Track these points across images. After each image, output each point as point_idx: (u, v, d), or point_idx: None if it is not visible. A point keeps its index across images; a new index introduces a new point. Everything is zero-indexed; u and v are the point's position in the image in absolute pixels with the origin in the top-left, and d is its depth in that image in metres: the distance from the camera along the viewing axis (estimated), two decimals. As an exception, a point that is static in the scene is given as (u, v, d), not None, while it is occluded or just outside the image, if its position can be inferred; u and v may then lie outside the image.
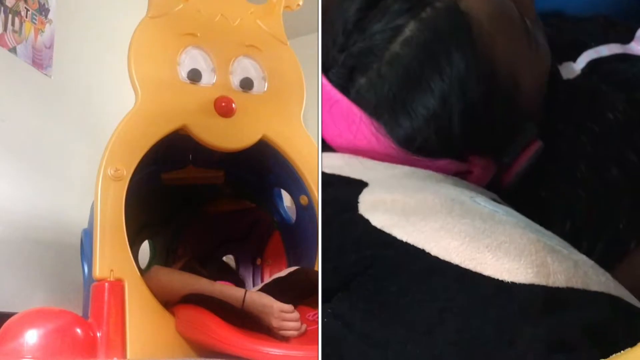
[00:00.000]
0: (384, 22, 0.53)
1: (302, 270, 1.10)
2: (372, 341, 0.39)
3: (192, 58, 1.13)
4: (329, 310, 0.42)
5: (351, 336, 0.40)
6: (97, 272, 0.92)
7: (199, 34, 1.15)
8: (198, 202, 1.56)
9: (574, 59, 0.66)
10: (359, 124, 0.55)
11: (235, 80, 1.17)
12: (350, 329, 0.40)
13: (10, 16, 1.51)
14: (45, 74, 1.63)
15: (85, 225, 1.12)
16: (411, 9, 0.52)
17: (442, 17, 0.52)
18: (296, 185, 1.24)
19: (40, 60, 1.61)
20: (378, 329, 0.39)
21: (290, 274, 1.09)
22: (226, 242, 1.64)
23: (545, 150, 0.57)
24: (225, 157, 1.22)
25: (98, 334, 0.90)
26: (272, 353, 0.80)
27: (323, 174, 0.53)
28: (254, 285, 1.51)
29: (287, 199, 1.38)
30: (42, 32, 1.63)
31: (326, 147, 0.58)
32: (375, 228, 0.44)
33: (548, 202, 0.57)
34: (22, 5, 1.56)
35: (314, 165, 1.20)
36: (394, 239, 0.43)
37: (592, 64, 0.65)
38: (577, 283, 0.38)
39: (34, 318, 0.89)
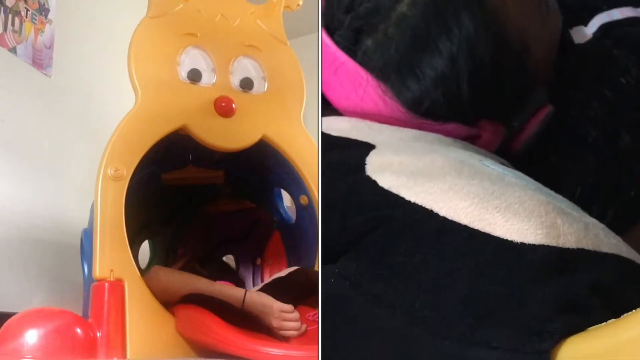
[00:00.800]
0: None
1: (302, 270, 1.10)
2: (380, 301, 0.38)
3: (192, 58, 1.13)
4: (336, 270, 0.41)
5: (358, 297, 0.39)
6: (97, 272, 0.92)
7: (199, 34, 1.15)
8: (198, 202, 1.56)
9: (586, 23, 0.65)
10: (366, 87, 0.54)
11: (235, 80, 1.17)
12: (358, 290, 0.39)
13: (10, 16, 1.51)
14: (45, 74, 1.63)
15: (85, 225, 1.12)
16: None
17: None
18: (296, 185, 1.24)
19: (40, 60, 1.61)
20: (386, 289, 0.39)
21: (290, 274, 1.09)
22: (226, 242, 1.64)
23: (556, 116, 0.56)
24: (225, 157, 1.22)
25: (98, 334, 0.90)
26: (272, 353, 0.80)
27: (329, 136, 0.52)
28: (254, 285, 1.51)
29: (287, 199, 1.38)
30: (42, 32, 1.63)
31: (332, 110, 0.57)
32: (382, 189, 0.44)
33: (558, 167, 0.56)
34: (22, 5, 1.56)
35: (314, 165, 1.20)
36: (402, 199, 0.42)
37: (604, 28, 0.64)
38: (587, 244, 0.38)
39: (34, 318, 0.89)
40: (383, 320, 0.38)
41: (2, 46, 1.49)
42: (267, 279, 1.21)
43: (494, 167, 0.45)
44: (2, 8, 1.49)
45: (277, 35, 1.26)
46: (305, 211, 1.26)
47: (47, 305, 1.42)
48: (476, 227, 0.39)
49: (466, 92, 0.51)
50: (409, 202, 0.42)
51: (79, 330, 0.89)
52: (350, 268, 0.41)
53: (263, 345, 0.82)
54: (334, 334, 0.40)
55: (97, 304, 0.93)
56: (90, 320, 0.93)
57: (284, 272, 1.11)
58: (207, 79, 1.13)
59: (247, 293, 0.96)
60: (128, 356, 0.90)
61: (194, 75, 1.12)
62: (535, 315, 0.34)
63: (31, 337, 0.85)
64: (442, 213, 0.40)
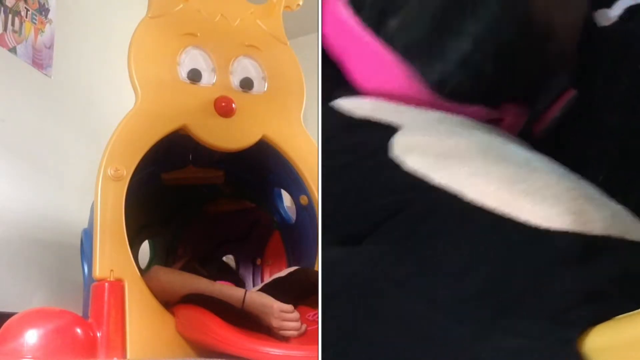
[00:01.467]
0: None
1: (302, 270, 1.10)
2: (402, 286, 0.38)
3: (192, 58, 1.13)
4: (358, 254, 0.41)
5: (381, 280, 0.39)
6: (97, 272, 0.92)
7: (199, 34, 1.15)
8: (198, 202, 1.56)
9: (609, 5, 0.64)
10: (390, 67, 0.53)
11: (235, 80, 1.17)
12: (380, 273, 0.39)
13: (10, 16, 1.51)
14: (45, 74, 1.63)
15: (85, 225, 1.12)
16: None
17: None
18: (296, 185, 1.24)
19: (40, 60, 1.61)
20: (408, 274, 0.38)
21: (290, 274, 1.09)
22: (226, 242, 1.64)
23: (579, 100, 0.55)
24: (225, 157, 1.22)
25: (98, 334, 0.90)
26: (272, 353, 0.80)
27: (353, 117, 0.51)
28: (254, 285, 1.51)
29: (287, 199, 1.38)
30: (42, 32, 1.63)
31: (355, 91, 0.56)
32: (407, 172, 0.43)
33: (580, 152, 0.56)
34: (22, 5, 1.56)
35: (314, 165, 1.20)
36: (427, 182, 0.41)
37: (630, 11, 0.63)
38: (615, 232, 0.37)
39: (34, 318, 0.89)
40: (404, 305, 0.37)
41: (2, 46, 1.49)
42: (267, 279, 1.21)
43: (519, 151, 0.44)
44: (2, 8, 1.49)
45: (277, 35, 1.26)
46: (305, 211, 1.26)
47: (47, 305, 1.42)
48: (502, 212, 0.38)
49: (490, 73, 0.51)
50: (434, 185, 0.41)
51: (79, 330, 0.89)
52: (372, 252, 0.40)
53: (263, 345, 0.82)
54: (354, 318, 0.40)
55: (97, 304, 0.93)
56: (90, 320, 0.93)
57: (284, 272, 1.11)
58: (207, 79, 1.13)
59: (247, 293, 0.96)
60: (128, 356, 0.90)
61: (194, 75, 1.12)
62: (560, 303, 0.33)
63: (31, 337, 0.85)
64: (468, 197, 0.39)
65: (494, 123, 0.54)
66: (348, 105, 0.53)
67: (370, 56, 0.54)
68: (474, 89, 0.52)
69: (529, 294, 0.34)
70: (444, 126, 0.49)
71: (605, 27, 0.63)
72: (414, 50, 0.52)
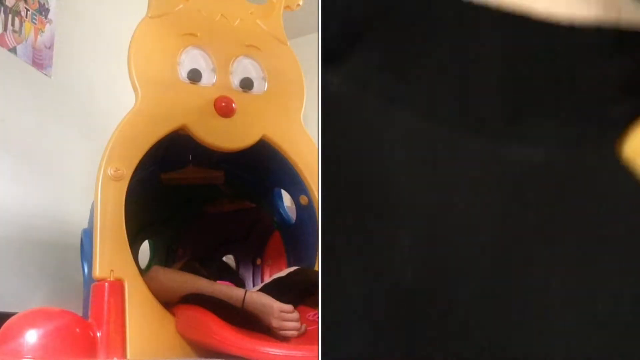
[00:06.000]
0: None
1: (302, 270, 1.10)
2: (394, 100, 0.32)
3: (192, 58, 1.13)
4: (342, 70, 0.35)
5: (369, 98, 0.33)
6: (97, 272, 0.92)
7: (199, 34, 1.15)
8: (198, 202, 1.56)
9: None
10: None
11: (235, 80, 1.17)
12: (367, 87, 0.34)
13: (10, 16, 1.51)
14: (45, 74, 1.63)
15: (85, 225, 1.12)
16: None
17: None
18: (296, 185, 1.24)
19: (40, 60, 1.61)
20: (401, 85, 0.33)
21: (290, 274, 1.09)
22: (226, 242, 1.64)
23: None
24: (225, 157, 1.22)
25: (98, 334, 0.90)
26: (272, 353, 0.80)
27: None
28: (254, 285, 1.51)
29: (287, 199, 1.38)
30: (42, 32, 1.63)
31: None
32: None
33: None
34: (22, 5, 1.56)
35: (314, 165, 1.20)
36: None
37: None
38: None
39: (34, 318, 0.89)
40: (399, 122, 0.32)
41: (2, 46, 1.49)
42: (267, 279, 1.21)
43: None
44: (2, 8, 1.49)
45: (277, 35, 1.26)
46: (305, 211, 1.26)
47: (47, 305, 1.42)
48: (510, 9, 0.31)
49: None
50: None
51: (79, 330, 0.89)
52: (356, 65, 0.35)
53: (263, 345, 0.82)
54: (339, 143, 0.35)
55: (97, 304, 0.93)
56: (90, 320, 0.93)
57: (284, 272, 1.11)
58: (207, 79, 1.14)
59: (247, 293, 0.96)
60: (128, 356, 0.90)
61: (194, 75, 1.12)
62: (593, 98, 0.27)
63: (31, 337, 0.85)
64: None
65: None
66: None
67: None
68: None
69: (551, 92, 0.29)
70: None
71: None
72: None
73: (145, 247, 1.53)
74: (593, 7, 0.30)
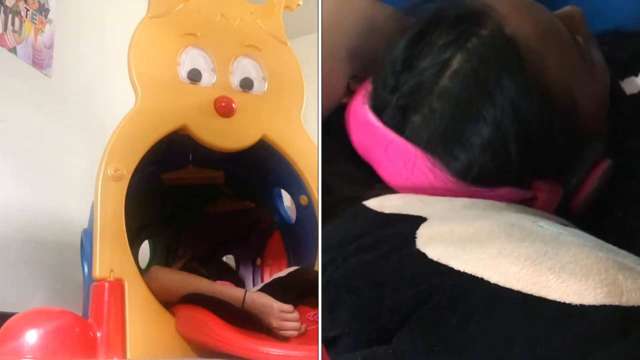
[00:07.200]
0: (431, 58, 0.52)
1: (302, 270, 1.10)
2: None
3: (192, 58, 1.13)
4: (390, 351, 0.40)
5: None
6: (97, 272, 0.92)
7: (199, 34, 1.15)
8: (198, 202, 1.56)
9: (636, 74, 0.64)
10: (415, 161, 0.54)
11: (235, 80, 1.17)
12: None
13: (10, 16, 1.52)
14: (45, 74, 1.63)
15: (85, 225, 1.12)
16: (456, 41, 0.52)
17: (488, 45, 0.51)
18: (296, 185, 1.24)
19: (40, 60, 1.61)
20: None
21: (290, 274, 1.09)
22: (226, 242, 1.64)
23: (619, 169, 0.54)
24: (225, 157, 1.22)
25: (98, 334, 0.90)
26: (272, 353, 0.80)
27: (382, 214, 0.51)
28: (254, 285, 1.51)
29: (287, 199, 1.38)
30: (42, 32, 1.63)
31: (386, 188, 0.57)
32: (431, 261, 0.42)
33: (626, 223, 0.54)
34: (22, 5, 1.56)
35: (314, 165, 1.20)
36: (451, 269, 0.40)
37: None
38: None
39: (34, 318, 0.89)
40: None
41: (2, 46, 1.49)
42: (267, 279, 1.21)
43: (548, 227, 0.43)
44: (2, 8, 1.49)
45: (277, 35, 1.26)
46: (305, 211, 1.26)
47: (47, 305, 1.42)
48: (530, 292, 0.36)
49: (515, 154, 0.50)
50: (458, 271, 0.40)
51: (78, 330, 0.89)
52: (403, 346, 0.39)
53: (263, 345, 0.82)
54: None
55: (97, 304, 0.93)
56: (90, 320, 0.93)
57: (284, 272, 1.11)
58: (207, 79, 1.14)
59: (247, 293, 0.96)
60: (128, 356, 0.90)
61: (194, 75, 1.12)
62: None
63: (31, 337, 0.85)
64: (493, 280, 0.38)
65: (527, 202, 0.53)
66: (378, 202, 0.53)
67: (396, 152, 0.55)
68: (500, 172, 0.51)
69: None
70: (471, 211, 0.48)
71: (634, 95, 0.63)
72: (435, 141, 0.52)
73: (145, 247, 1.53)
74: (599, 291, 0.35)
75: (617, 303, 0.34)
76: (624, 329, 0.33)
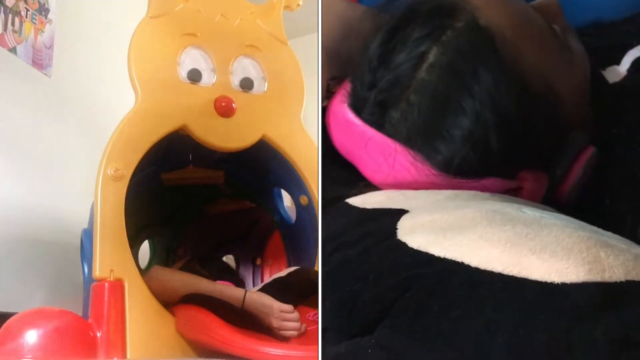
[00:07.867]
0: (406, 52, 0.52)
1: (302, 270, 1.10)
2: None
3: (192, 58, 1.13)
4: (373, 341, 0.40)
5: None
6: (97, 272, 0.92)
7: (199, 34, 1.15)
8: (198, 202, 1.56)
9: (618, 62, 0.64)
10: (395, 156, 0.54)
11: (235, 80, 1.17)
12: (396, 357, 0.38)
13: (10, 16, 1.52)
14: (45, 74, 1.63)
15: (85, 225, 1.12)
16: (431, 34, 0.52)
17: (463, 36, 0.51)
18: (296, 185, 1.24)
19: (40, 60, 1.61)
20: (424, 353, 0.37)
21: (290, 274, 1.09)
22: (226, 242, 1.64)
23: (603, 157, 0.54)
24: (225, 157, 1.22)
25: (98, 334, 0.90)
26: (272, 353, 0.80)
27: (364, 210, 0.51)
28: (254, 285, 1.51)
29: (287, 199, 1.38)
30: (42, 32, 1.63)
31: (369, 186, 0.57)
32: (412, 250, 0.42)
33: (614, 209, 0.55)
34: (22, 5, 1.56)
35: (314, 165, 1.20)
36: (432, 256, 0.40)
37: (638, 63, 0.63)
38: (637, 275, 0.35)
39: (34, 318, 0.89)
40: None
41: (2, 46, 1.49)
42: (267, 279, 1.21)
43: (530, 212, 0.43)
44: (2, 8, 1.49)
45: (277, 35, 1.26)
46: (305, 211, 1.26)
47: (47, 305, 1.42)
48: (511, 273, 0.37)
49: (496, 145, 0.50)
50: (439, 257, 0.40)
51: (78, 330, 0.89)
52: (386, 336, 0.39)
53: (263, 345, 0.83)
54: None
55: (97, 304, 0.93)
56: (90, 320, 0.93)
57: (284, 272, 1.11)
58: (207, 79, 1.14)
59: (247, 293, 0.96)
60: (128, 356, 0.90)
61: (194, 75, 1.12)
62: (586, 357, 0.32)
63: (31, 337, 0.85)
64: (473, 264, 0.38)
65: (512, 193, 0.53)
66: (361, 199, 0.53)
67: (376, 149, 0.55)
68: (482, 163, 0.51)
69: (552, 354, 0.33)
70: (455, 202, 0.48)
71: (617, 82, 0.63)
72: (415, 135, 0.52)
73: (145, 247, 1.53)
74: (580, 269, 0.35)
75: (599, 280, 0.34)
76: (608, 305, 0.34)
